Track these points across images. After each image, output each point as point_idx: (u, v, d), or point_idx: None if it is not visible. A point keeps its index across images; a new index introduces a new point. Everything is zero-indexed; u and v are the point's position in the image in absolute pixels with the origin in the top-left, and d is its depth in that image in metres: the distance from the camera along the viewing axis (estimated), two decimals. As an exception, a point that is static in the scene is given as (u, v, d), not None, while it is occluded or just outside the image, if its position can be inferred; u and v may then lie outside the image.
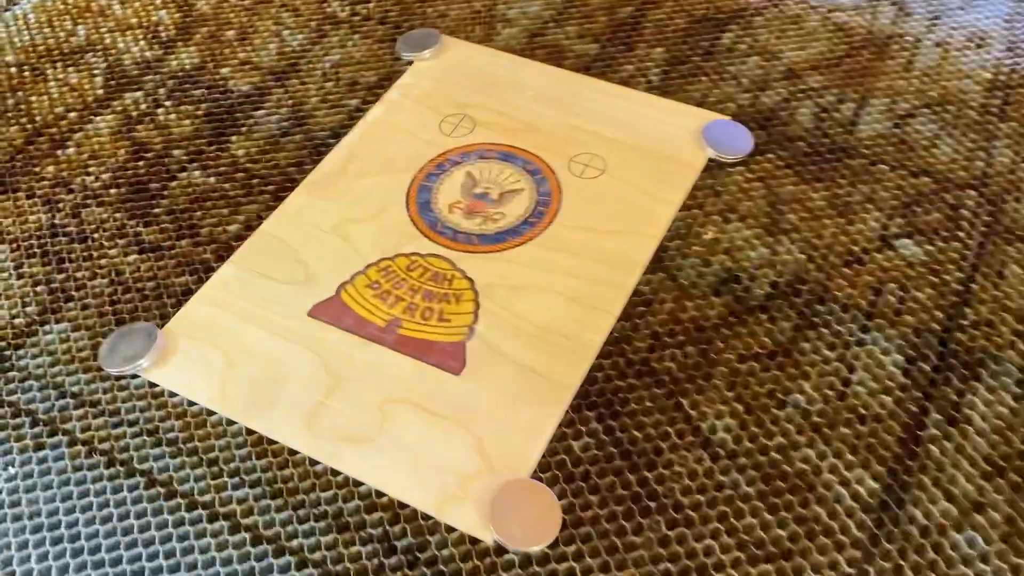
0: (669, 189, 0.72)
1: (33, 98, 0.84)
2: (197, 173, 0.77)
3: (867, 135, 0.76)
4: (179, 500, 0.57)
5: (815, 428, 0.59)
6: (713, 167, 0.74)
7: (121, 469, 0.59)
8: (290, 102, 0.83)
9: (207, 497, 0.57)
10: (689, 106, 0.79)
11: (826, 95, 0.80)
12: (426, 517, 0.56)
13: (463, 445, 0.58)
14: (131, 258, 0.71)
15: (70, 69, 0.87)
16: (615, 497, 0.56)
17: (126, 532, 0.56)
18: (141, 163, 0.78)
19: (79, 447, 0.60)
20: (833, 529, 0.54)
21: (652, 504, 0.56)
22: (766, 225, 0.70)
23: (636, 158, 0.75)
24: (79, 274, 0.70)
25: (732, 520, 0.55)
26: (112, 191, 0.76)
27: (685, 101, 0.80)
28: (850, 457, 0.57)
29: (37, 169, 0.78)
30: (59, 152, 0.79)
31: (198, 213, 0.74)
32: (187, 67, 0.87)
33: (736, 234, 0.70)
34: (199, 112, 0.82)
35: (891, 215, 0.70)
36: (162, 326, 0.66)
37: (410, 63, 0.85)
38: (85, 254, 0.71)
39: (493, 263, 0.68)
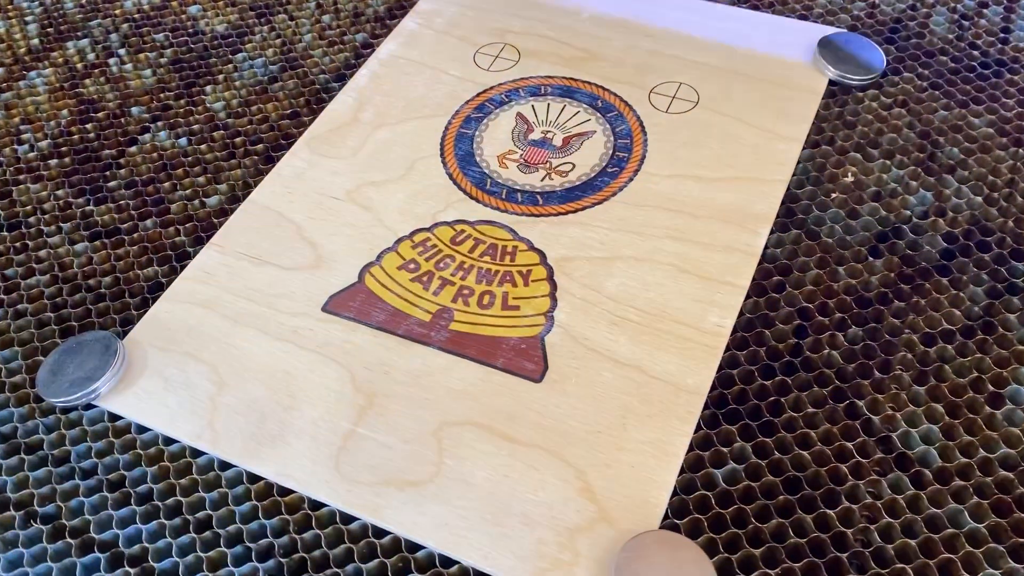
0: (787, 121, 0.55)
1: (-51, 53, 0.66)
2: (163, 134, 0.59)
3: (1027, 43, 0.59)
4: (157, 583, 0.40)
5: (1051, 432, 0.42)
6: (837, 91, 0.57)
7: (73, 542, 0.41)
8: (278, 41, 0.65)
9: (197, 577, 0.40)
10: (793, 19, 0.62)
11: (961, -1, 0.63)
12: (519, 593, 0.38)
13: (561, 483, 0.41)
14: (80, 247, 0.53)
15: (-4, 17, 0.69)
16: (788, 548, 0.39)
17: (82, 636, 0.39)
18: (90, 125, 0.60)
19: (10, 512, 0.43)
20: (1111, 580, 0.37)
21: (842, 555, 0.39)
22: (921, 161, 0.53)
23: (737, 85, 0.57)
24: (9, 271, 0.52)
25: (964, 573, 0.38)
26: (52, 162, 0.58)
27: (781, 15, 0.62)
28: (1109, 471, 0.40)
29: (-46, 140, 0.60)
30: (-18, 117, 0.61)
31: (166, 184, 0.56)
32: (145, 7, 0.68)
33: (885, 175, 0.53)
34: (163, 60, 0.64)
35: (1082, 140, 0.53)
36: (124, 336, 0.48)
37: (427, -13, 0.67)
38: (17, 244, 0.54)
39: (567, 228, 0.51)
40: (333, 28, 0.65)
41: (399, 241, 0.51)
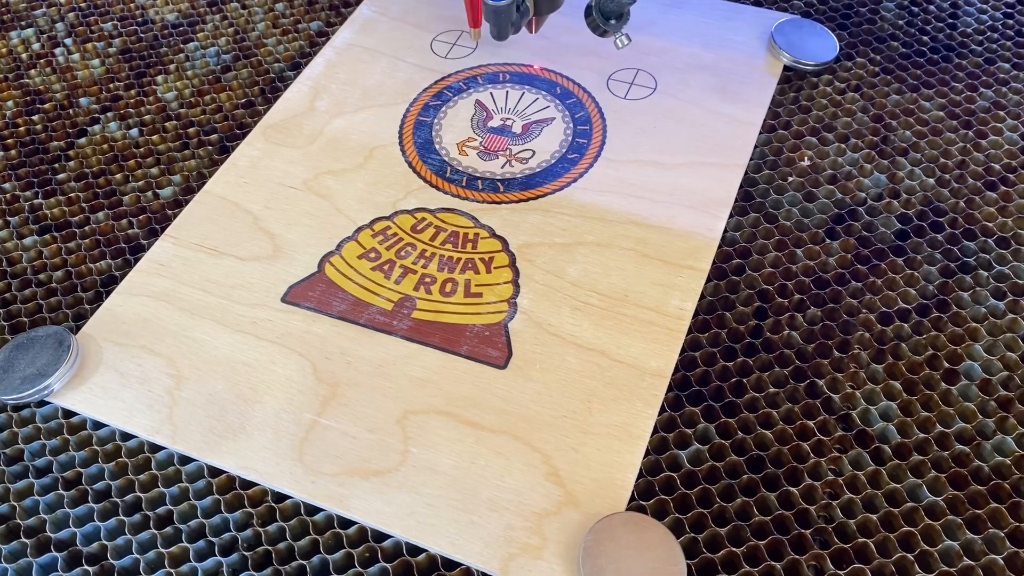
0: (743, 106, 0.55)
1: None
2: (114, 125, 0.58)
3: (975, 29, 0.60)
4: (117, 581, 0.39)
5: (1005, 406, 0.43)
6: (792, 77, 0.58)
7: (28, 541, 0.40)
8: (230, 30, 0.63)
9: None
10: (747, 6, 0.62)
11: (911, -15, 0.64)
12: (487, 579, 0.38)
13: (527, 468, 0.41)
14: (28, 241, 0.52)
15: (-65, 6, 0.67)
16: (754, 527, 0.39)
17: (40, 638, 0.38)
18: (37, 117, 0.58)
19: (-37, 514, 0.41)
20: (1064, 548, 0.38)
21: (806, 531, 0.39)
22: (875, 144, 0.54)
23: (693, 71, 0.58)
24: (-45, 267, 0.51)
25: (923, 545, 0.39)
26: (-2, 155, 0.56)
27: (736, 1, 0.63)
28: (1060, 442, 0.42)
29: None
30: (-78, 109, 0.59)
31: (118, 176, 0.55)
32: (91, -4, 0.67)
33: (840, 158, 0.53)
34: (111, 49, 0.63)
35: (1029, 123, 0.55)
36: (77, 330, 0.47)
37: (382, -26, 0.67)
38: (-37, 239, 0.52)
39: (528, 215, 0.51)
40: (287, 16, 0.64)
41: (359, 230, 0.50)
